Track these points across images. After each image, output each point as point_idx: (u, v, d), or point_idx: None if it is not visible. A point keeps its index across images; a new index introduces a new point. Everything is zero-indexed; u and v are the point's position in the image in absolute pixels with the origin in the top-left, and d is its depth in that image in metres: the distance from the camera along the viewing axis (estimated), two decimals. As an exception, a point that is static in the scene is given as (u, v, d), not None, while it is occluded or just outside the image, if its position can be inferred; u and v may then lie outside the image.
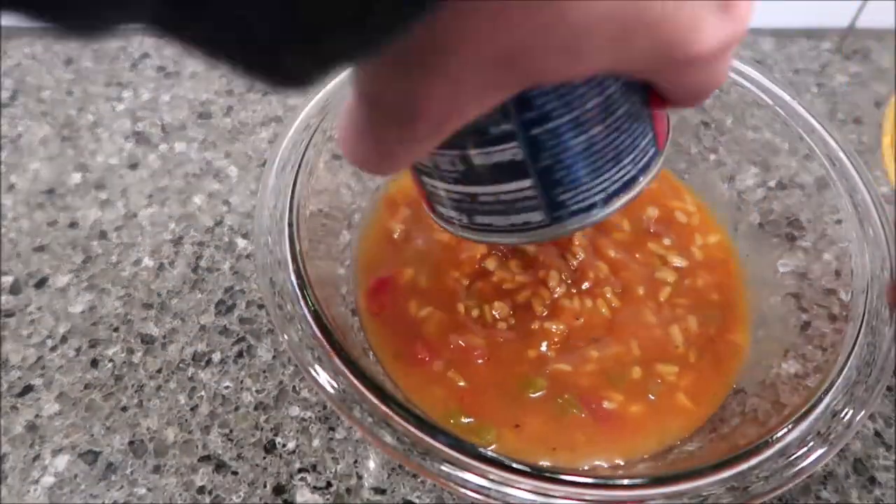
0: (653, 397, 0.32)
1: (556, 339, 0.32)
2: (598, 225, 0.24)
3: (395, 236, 0.36)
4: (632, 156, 0.22)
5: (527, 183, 0.22)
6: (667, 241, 0.36)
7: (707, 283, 0.35)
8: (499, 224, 0.24)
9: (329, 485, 0.32)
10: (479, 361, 0.32)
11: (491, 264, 0.34)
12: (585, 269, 0.34)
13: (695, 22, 0.17)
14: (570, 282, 0.34)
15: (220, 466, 0.32)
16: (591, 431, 0.31)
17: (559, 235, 0.24)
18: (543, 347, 0.32)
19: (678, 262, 0.36)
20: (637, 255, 0.36)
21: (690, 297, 0.35)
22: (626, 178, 0.22)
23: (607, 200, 0.22)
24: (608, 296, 0.34)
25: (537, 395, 0.31)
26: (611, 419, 0.31)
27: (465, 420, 0.31)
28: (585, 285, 0.34)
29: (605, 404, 0.31)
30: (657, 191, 0.39)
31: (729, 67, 0.19)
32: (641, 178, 0.23)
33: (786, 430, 0.26)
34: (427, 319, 0.33)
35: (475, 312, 0.33)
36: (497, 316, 0.33)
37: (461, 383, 0.31)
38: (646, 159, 0.23)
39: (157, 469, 0.32)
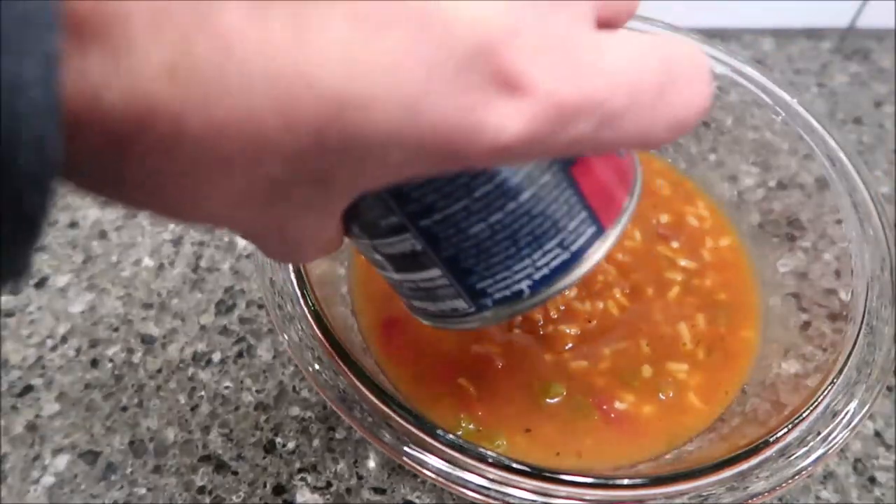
0: (663, 397, 0.32)
1: (570, 342, 0.33)
2: None
3: None
4: (556, 239, 0.20)
5: (436, 272, 0.21)
6: (675, 245, 0.36)
7: (715, 282, 0.35)
8: (432, 310, 0.23)
9: (329, 485, 0.32)
10: (499, 366, 0.32)
11: None
12: (594, 272, 0.34)
13: (470, 115, 0.14)
14: (580, 284, 0.34)
15: (220, 466, 0.32)
16: (601, 435, 0.31)
17: (491, 322, 0.22)
18: (559, 350, 0.32)
19: (686, 262, 0.36)
20: (646, 258, 0.36)
21: (699, 295, 0.35)
22: (554, 264, 0.20)
23: (535, 288, 0.21)
24: (617, 296, 0.34)
25: (554, 400, 0.31)
26: (622, 421, 0.31)
27: (472, 427, 0.30)
28: (596, 287, 0.34)
29: (617, 405, 0.31)
30: (669, 196, 0.39)
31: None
32: (576, 263, 0.20)
33: (786, 430, 0.26)
34: (446, 337, 0.33)
35: None
36: (512, 322, 0.33)
37: (470, 390, 0.31)
38: (580, 241, 0.20)
39: (157, 469, 0.32)
